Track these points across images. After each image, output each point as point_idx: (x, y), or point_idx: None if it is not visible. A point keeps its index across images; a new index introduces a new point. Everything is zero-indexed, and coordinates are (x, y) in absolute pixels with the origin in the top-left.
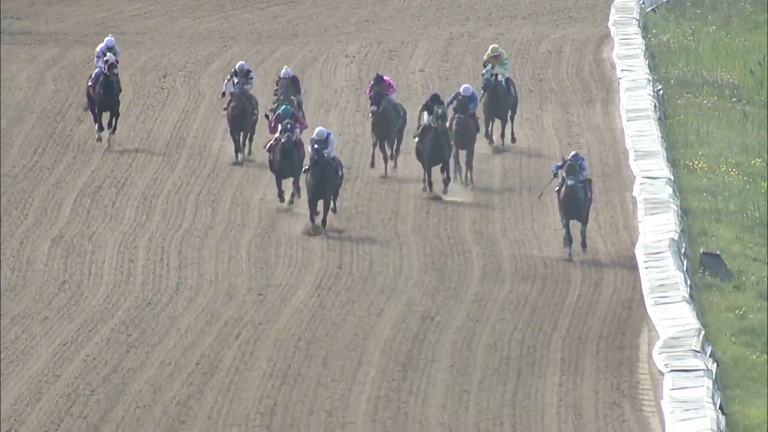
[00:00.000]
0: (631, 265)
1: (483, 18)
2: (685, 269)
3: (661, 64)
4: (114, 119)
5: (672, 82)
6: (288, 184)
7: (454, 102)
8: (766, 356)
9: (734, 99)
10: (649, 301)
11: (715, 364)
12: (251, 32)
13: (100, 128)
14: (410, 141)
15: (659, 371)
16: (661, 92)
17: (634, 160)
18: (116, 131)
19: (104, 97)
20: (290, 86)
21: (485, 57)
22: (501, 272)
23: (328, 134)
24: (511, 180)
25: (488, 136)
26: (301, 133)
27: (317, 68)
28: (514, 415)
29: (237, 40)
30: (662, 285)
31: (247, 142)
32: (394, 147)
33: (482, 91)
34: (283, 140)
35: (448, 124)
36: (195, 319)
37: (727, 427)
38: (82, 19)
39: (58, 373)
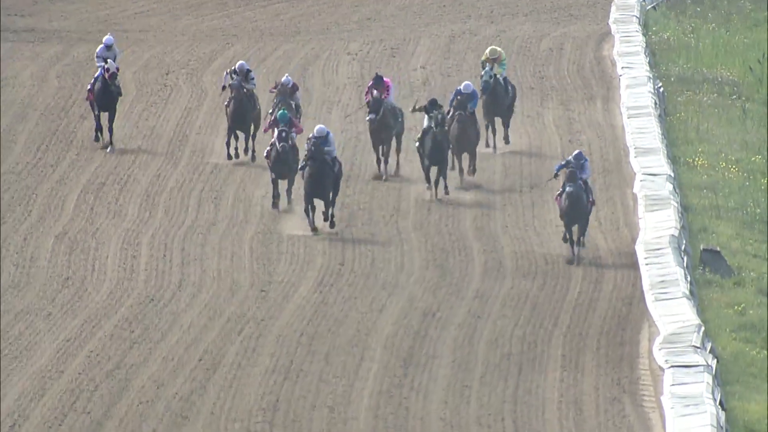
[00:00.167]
0: (632, 262)
1: (484, 15)
2: (685, 265)
3: (661, 61)
4: (109, 119)
5: (672, 79)
6: (284, 187)
7: (455, 101)
8: (765, 352)
9: (734, 96)
10: (649, 298)
11: (715, 360)
12: (253, 30)
13: (100, 129)
14: (410, 140)
15: (659, 367)
16: (661, 89)
17: (635, 157)
18: (112, 135)
19: (102, 97)
20: (288, 93)
21: (483, 58)
22: (502, 269)
23: (328, 132)
24: (511, 177)
25: (487, 140)
26: (296, 136)
27: (319, 66)
28: (515, 410)
29: (239, 38)
30: (662, 281)
31: (249, 141)
32: (393, 150)
33: (481, 93)
34: (278, 148)
35: (448, 123)
36: (198, 315)
37: (727, 423)
38: (86, 16)
39: (61, 369)
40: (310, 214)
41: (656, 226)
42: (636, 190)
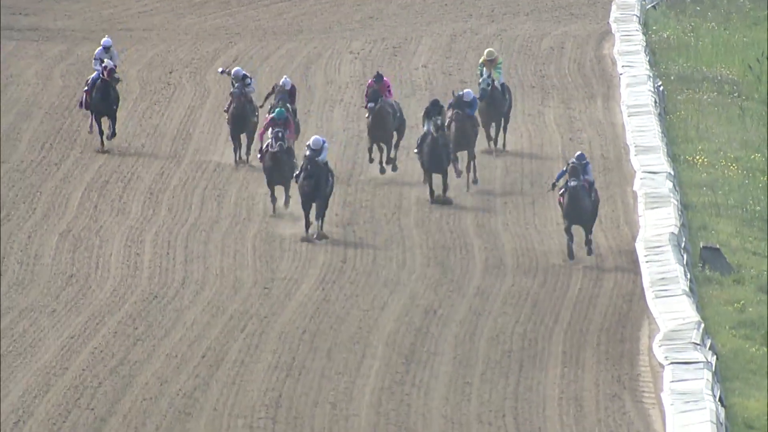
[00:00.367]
0: (632, 259)
1: (485, 15)
2: (685, 263)
3: (661, 60)
4: (111, 124)
5: (672, 78)
6: (280, 191)
7: (453, 102)
8: (765, 349)
9: (734, 95)
10: (649, 295)
11: (715, 357)
12: (256, 29)
13: (100, 132)
14: (410, 140)
15: (659, 364)
16: (661, 88)
17: (635, 155)
18: (114, 135)
19: (100, 102)
20: (287, 95)
21: (480, 60)
22: (503, 266)
23: (324, 142)
24: (512, 174)
25: (489, 144)
26: (293, 142)
27: (321, 64)
28: (516, 407)
29: (242, 37)
30: (662, 278)
31: (247, 146)
32: (391, 147)
33: (479, 99)
34: (273, 149)
35: (447, 124)
36: (201, 312)
37: (726, 419)
38: (90, 15)
39: (65, 366)
40: (309, 223)
41: (656, 224)
42: (636, 188)
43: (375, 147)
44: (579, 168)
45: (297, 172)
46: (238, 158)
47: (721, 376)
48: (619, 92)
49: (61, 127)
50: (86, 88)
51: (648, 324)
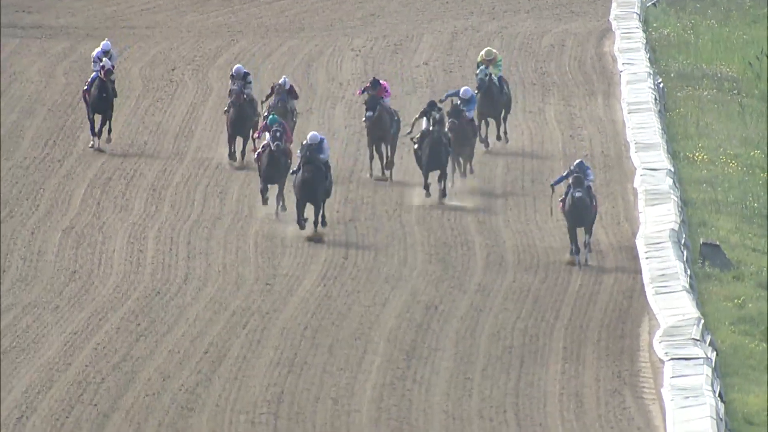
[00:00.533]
0: (632, 256)
1: (487, 12)
2: (685, 259)
3: (661, 57)
4: (108, 123)
5: (672, 75)
6: (273, 192)
7: (451, 103)
8: (764, 344)
9: (733, 92)
10: (649, 291)
11: (715, 353)
12: (258, 26)
13: (93, 133)
14: (406, 139)
15: (659, 359)
16: (661, 85)
17: (635, 152)
18: (111, 133)
19: (98, 101)
20: (287, 94)
21: (479, 59)
22: (504, 262)
23: (322, 139)
24: (513, 172)
25: (482, 139)
26: (290, 145)
27: (323, 62)
28: (517, 402)
29: (244, 34)
30: (662, 275)
31: (243, 145)
32: (388, 152)
33: (476, 91)
34: (271, 147)
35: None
36: (203, 308)
37: (726, 415)
38: (93, 13)
39: (68, 362)
40: (302, 222)
41: (656, 221)
42: (636, 184)
43: (374, 154)
44: (582, 177)
45: (294, 169)
46: (232, 152)
47: (720, 371)
48: (619, 89)
49: (64, 124)
50: (85, 87)
51: (648, 320)
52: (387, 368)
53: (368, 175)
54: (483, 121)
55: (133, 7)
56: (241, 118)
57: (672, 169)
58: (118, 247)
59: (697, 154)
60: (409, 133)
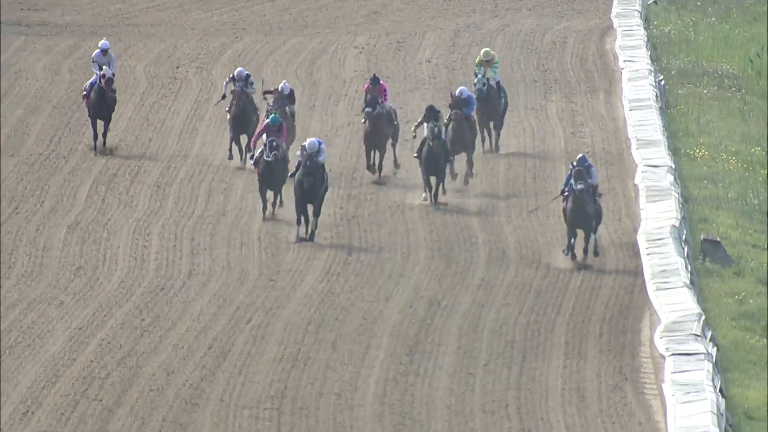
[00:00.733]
0: (633, 252)
1: (489, 10)
2: (685, 255)
3: (662, 54)
4: (105, 127)
5: (673, 72)
6: (271, 196)
7: (452, 102)
8: (765, 340)
9: (734, 89)
10: (650, 287)
11: (715, 348)
12: (262, 24)
13: (95, 137)
14: (408, 138)
15: (660, 355)
16: (662, 82)
17: (636, 149)
18: (105, 138)
19: (98, 106)
20: (286, 99)
21: (477, 60)
22: (506, 258)
23: (320, 143)
24: (515, 168)
25: (483, 145)
26: (288, 147)
27: (326, 59)
28: (519, 397)
29: (248, 32)
30: (663, 271)
31: (246, 146)
32: (382, 156)
33: (477, 99)
34: (268, 158)
35: (445, 125)
36: (207, 303)
37: (726, 410)
38: (98, 11)
39: (73, 357)
40: (302, 224)
41: (657, 217)
42: (637, 181)
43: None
44: (584, 171)
45: (293, 172)
46: (231, 154)
47: (721, 367)
48: (620, 86)
49: (69, 121)
50: (84, 92)
51: (649, 315)
52: (390, 363)
53: (367, 168)
54: (485, 130)
55: (138, 4)
56: (242, 118)
57: (673, 166)
58: (123, 243)
59: (697, 151)
60: (414, 137)
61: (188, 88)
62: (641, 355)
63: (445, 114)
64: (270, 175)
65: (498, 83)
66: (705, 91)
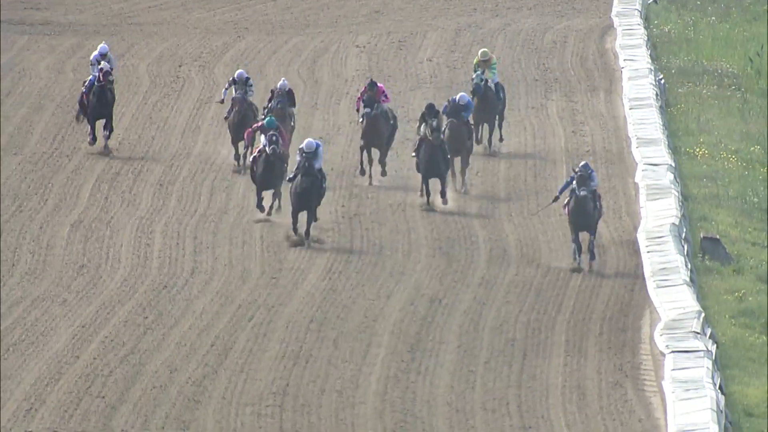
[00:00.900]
0: (633, 250)
1: (490, 9)
2: (685, 253)
3: (662, 53)
4: (108, 126)
5: (673, 71)
6: (268, 195)
7: (448, 109)
8: (764, 337)
9: (734, 88)
10: (650, 284)
11: (715, 345)
12: (264, 23)
13: (94, 138)
14: (409, 136)
15: (661, 352)
16: (662, 81)
17: (636, 147)
18: (110, 137)
19: (97, 106)
20: (286, 97)
21: (475, 61)
22: (507, 256)
23: (318, 145)
24: (516, 167)
25: (479, 141)
26: (287, 148)
27: (328, 58)
28: (520, 395)
29: (250, 31)
30: (663, 268)
31: (246, 152)
32: (382, 154)
33: (472, 95)
34: (267, 151)
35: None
36: (210, 301)
37: (726, 407)
38: (101, 10)
39: (76, 354)
40: (298, 229)
41: (657, 215)
42: (638, 179)
43: (366, 158)
44: (587, 177)
45: (291, 176)
46: (237, 153)
47: (721, 364)
48: (621, 85)
49: (72, 120)
50: (83, 90)
51: (649, 313)
52: (391, 361)
53: (360, 173)
54: (480, 126)
55: (140, 4)
56: (242, 124)
57: (673, 165)
58: (126, 242)
59: (697, 150)
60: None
61: (191, 86)
62: (641, 353)
63: (442, 120)
64: (268, 172)
65: (497, 83)
66: (705, 90)
